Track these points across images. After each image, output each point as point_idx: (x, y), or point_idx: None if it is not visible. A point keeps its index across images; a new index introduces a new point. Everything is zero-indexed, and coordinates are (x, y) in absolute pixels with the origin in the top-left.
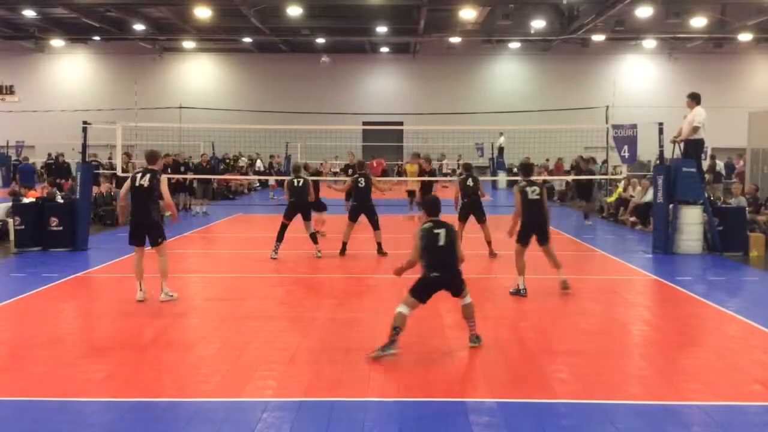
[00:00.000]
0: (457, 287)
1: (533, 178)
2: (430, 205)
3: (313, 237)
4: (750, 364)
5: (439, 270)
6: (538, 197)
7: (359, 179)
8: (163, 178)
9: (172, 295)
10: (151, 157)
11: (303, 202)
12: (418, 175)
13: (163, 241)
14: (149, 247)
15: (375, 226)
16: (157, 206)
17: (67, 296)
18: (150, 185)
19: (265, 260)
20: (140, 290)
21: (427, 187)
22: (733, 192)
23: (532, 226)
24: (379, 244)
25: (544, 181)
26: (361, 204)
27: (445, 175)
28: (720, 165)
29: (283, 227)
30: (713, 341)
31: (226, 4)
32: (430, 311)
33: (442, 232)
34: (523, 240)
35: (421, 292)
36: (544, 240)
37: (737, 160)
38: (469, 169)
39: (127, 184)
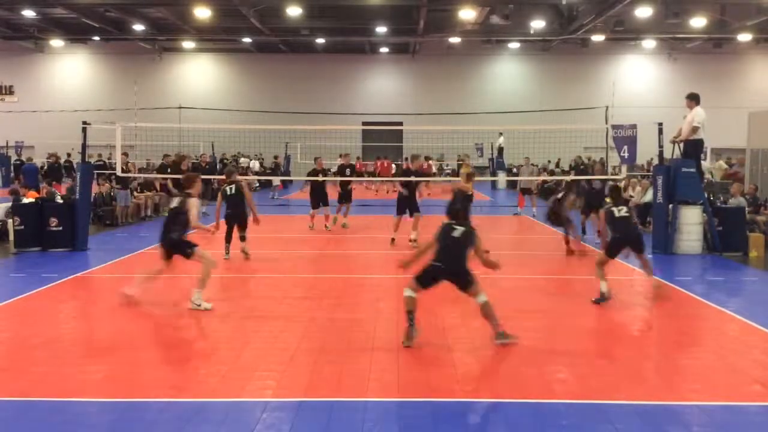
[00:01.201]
0: (461, 282)
1: (530, 178)
2: (449, 209)
3: (243, 238)
4: (750, 364)
5: (443, 261)
6: (627, 214)
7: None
8: (193, 201)
9: (198, 305)
10: (187, 180)
11: (237, 214)
12: (402, 175)
13: (192, 250)
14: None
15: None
16: (181, 227)
17: (67, 296)
18: (177, 207)
19: (265, 260)
20: (134, 287)
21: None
22: (732, 192)
23: (624, 241)
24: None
25: (544, 182)
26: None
27: (447, 175)
28: (705, 165)
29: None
30: (713, 341)
31: (225, 4)
32: (430, 311)
33: (460, 228)
34: (611, 252)
35: (422, 278)
36: (639, 250)
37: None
38: (572, 188)
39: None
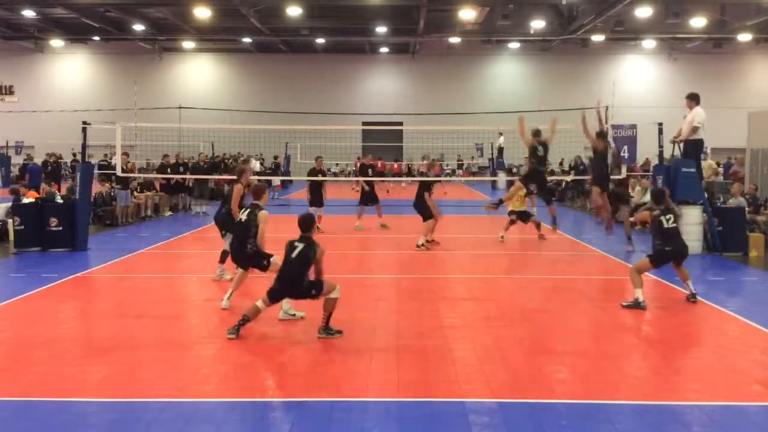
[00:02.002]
0: (305, 297)
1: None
2: (300, 222)
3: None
4: (750, 365)
5: (280, 281)
6: (674, 225)
7: (538, 148)
8: (264, 215)
9: (293, 314)
10: (258, 191)
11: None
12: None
13: (269, 262)
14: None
15: (548, 201)
16: (254, 239)
17: (67, 296)
18: (248, 220)
19: None
20: (227, 298)
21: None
22: (732, 192)
23: (674, 253)
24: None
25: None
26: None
27: (447, 175)
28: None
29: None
30: (713, 341)
31: (225, 4)
32: (430, 311)
33: (299, 246)
34: (657, 263)
35: (271, 295)
36: (681, 262)
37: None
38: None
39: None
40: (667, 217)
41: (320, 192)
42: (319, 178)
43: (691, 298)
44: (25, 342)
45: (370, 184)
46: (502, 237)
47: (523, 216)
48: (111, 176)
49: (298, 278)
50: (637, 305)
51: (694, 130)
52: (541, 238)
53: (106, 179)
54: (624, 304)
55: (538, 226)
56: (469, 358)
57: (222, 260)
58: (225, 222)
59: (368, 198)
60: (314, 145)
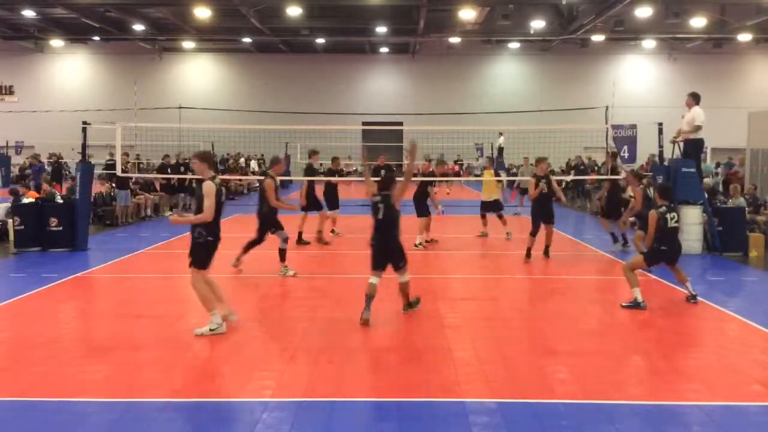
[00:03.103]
0: (397, 259)
1: (530, 178)
2: (384, 179)
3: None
4: (749, 365)
5: (376, 238)
6: (677, 225)
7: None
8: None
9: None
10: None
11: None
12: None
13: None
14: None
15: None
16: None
17: (67, 296)
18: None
19: (265, 260)
20: (215, 315)
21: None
22: (732, 192)
23: (669, 254)
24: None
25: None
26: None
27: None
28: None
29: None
30: (713, 341)
31: (225, 4)
32: (430, 311)
33: (381, 208)
34: (650, 261)
35: (373, 262)
36: (673, 263)
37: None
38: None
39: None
40: (671, 215)
41: (314, 195)
42: (321, 178)
43: (691, 300)
44: (25, 342)
45: None
46: (482, 233)
47: (495, 206)
48: (110, 176)
49: (392, 238)
50: (636, 305)
51: (697, 128)
52: (508, 236)
53: (107, 179)
54: (624, 304)
55: (500, 217)
56: (469, 358)
57: (282, 258)
58: (272, 220)
59: None
60: (314, 145)
